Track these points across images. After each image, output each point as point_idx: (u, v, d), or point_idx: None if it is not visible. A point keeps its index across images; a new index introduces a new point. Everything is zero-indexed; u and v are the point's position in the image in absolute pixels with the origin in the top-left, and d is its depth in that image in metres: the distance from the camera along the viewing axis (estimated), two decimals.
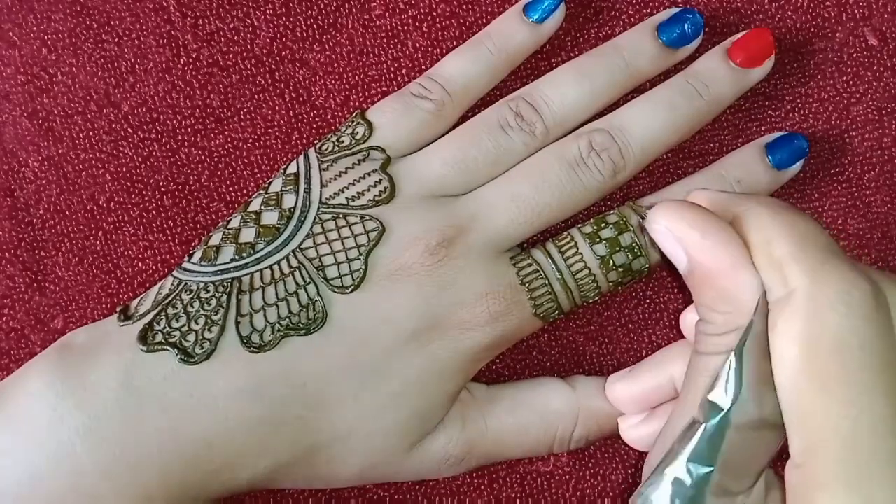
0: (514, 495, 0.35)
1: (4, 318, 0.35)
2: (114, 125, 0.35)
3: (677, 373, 0.30)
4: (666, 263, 0.33)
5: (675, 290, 0.36)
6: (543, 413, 0.33)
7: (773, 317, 0.24)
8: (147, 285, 0.35)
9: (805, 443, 0.23)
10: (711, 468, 0.24)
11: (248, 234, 0.31)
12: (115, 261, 0.35)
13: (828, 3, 0.35)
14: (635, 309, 0.36)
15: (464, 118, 0.33)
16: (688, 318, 0.30)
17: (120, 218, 0.35)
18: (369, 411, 0.30)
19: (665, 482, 0.25)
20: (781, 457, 0.24)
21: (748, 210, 0.25)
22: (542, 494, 0.36)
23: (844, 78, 0.35)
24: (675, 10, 0.34)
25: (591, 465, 0.36)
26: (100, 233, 0.35)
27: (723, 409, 0.24)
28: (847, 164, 0.35)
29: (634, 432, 0.32)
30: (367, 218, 0.31)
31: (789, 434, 0.24)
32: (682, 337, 0.35)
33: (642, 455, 0.35)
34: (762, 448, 0.25)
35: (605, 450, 0.36)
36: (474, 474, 0.35)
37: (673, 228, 0.25)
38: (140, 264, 0.35)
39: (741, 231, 0.25)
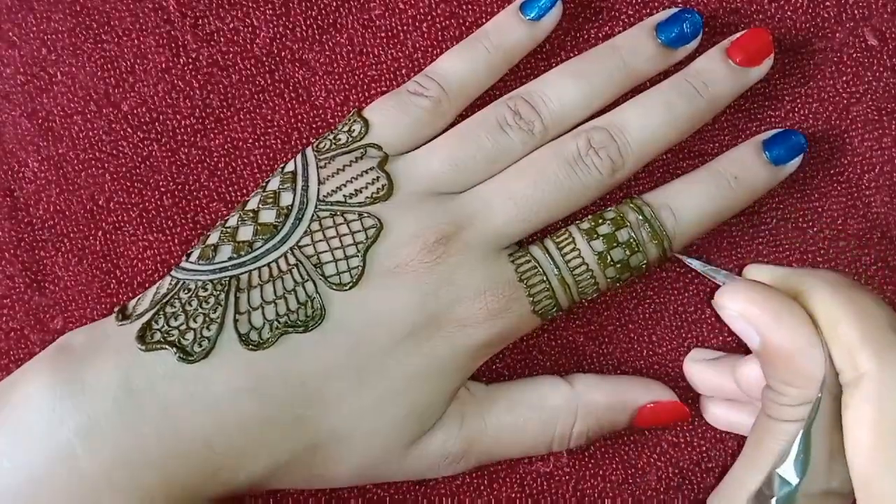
0: (513, 495, 0.35)
1: (4, 318, 0.35)
2: (113, 125, 0.35)
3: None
4: (664, 262, 0.33)
5: (676, 291, 0.35)
6: (542, 410, 0.33)
7: (846, 399, 0.25)
8: (147, 285, 0.35)
9: None
10: None
11: (245, 233, 0.31)
12: (114, 261, 0.35)
13: (827, 3, 0.35)
14: (635, 309, 0.36)
15: (463, 118, 0.33)
16: (744, 372, 0.31)
17: (119, 218, 0.35)
18: (368, 409, 0.30)
19: None
20: None
21: (812, 288, 0.27)
22: (542, 494, 0.35)
23: (844, 78, 0.35)
24: (674, 9, 0.34)
25: (590, 465, 0.35)
26: (99, 233, 0.35)
27: (791, 484, 0.26)
28: (847, 164, 0.35)
29: (712, 408, 0.34)
30: (365, 215, 0.31)
31: None
32: (682, 337, 0.35)
33: (642, 455, 0.35)
34: None
35: (605, 450, 0.36)
36: (474, 474, 0.35)
37: (744, 313, 0.27)
38: (139, 264, 0.35)
39: (806, 308, 0.26)
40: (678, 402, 0.33)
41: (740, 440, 0.35)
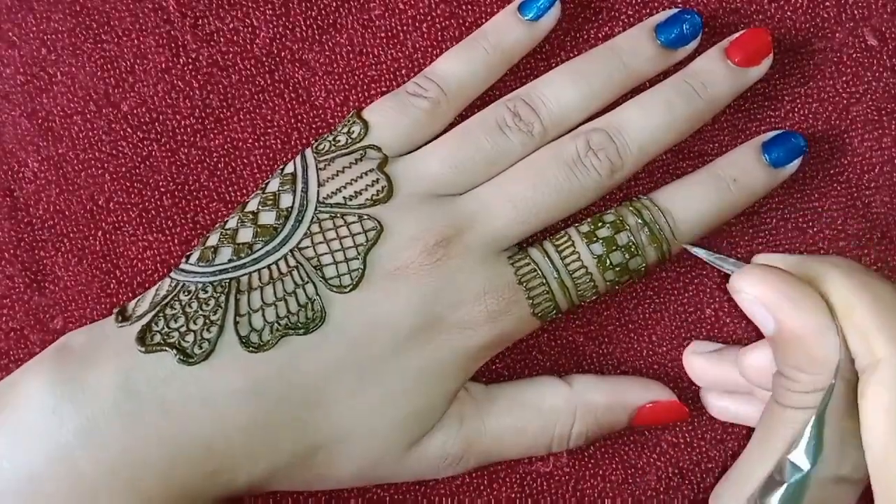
0: (513, 495, 0.35)
1: (4, 318, 0.35)
2: (113, 125, 0.35)
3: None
4: (663, 264, 0.33)
5: (676, 291, 0.35)
6: (541, 410, 0.33)
7: (862, 385, 0.25)
8: (146, 285, 0.35)
9: None
10: None
11: (245, 235, 0.31)
12: (114, 261, 0.35)
13: (827, 3, 0.35)
14: (635, 309, 0.36)
15: (462, 118, 0.33)
16: (750, 360, 0.30)
17: (119, 218, 0.35)
18: (368, 411, 0.30)
19: None
20: None
21: (825, 275, 0.26)
22: (542, 495, 0.35)
23: (844, 78, 0.35)
24: (673, 10, 0.34)
25: (590, 465, 0.35)
26: (99, 233, 0.35)
27: (802, 470, 0.26)
28: (847, 164, 0.35)
29: (714, 401, 0.34)
30: (365, 217, 0.31)
31: (875, 496, 0.25)
32: (682, 337, 0.35)
33: (642, 455, 0.35)
34: (841, 500, 0.26)
35: (605, 450, 0.36)
36: (473, 474, 0.35)
37: (762, 297, 0.26)
38: (139, 264, 0.35)
39: (821, 294, 0.26)
40: (677, 402, 0.33)
41: (740, 440, 0.35)
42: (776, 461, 0.26)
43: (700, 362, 0.34)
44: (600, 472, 0.36)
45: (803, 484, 0.26)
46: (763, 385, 0.30)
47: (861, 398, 0.25)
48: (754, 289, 0.27)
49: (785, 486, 0.26)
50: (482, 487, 0.35)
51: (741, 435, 0.35)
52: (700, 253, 0.31)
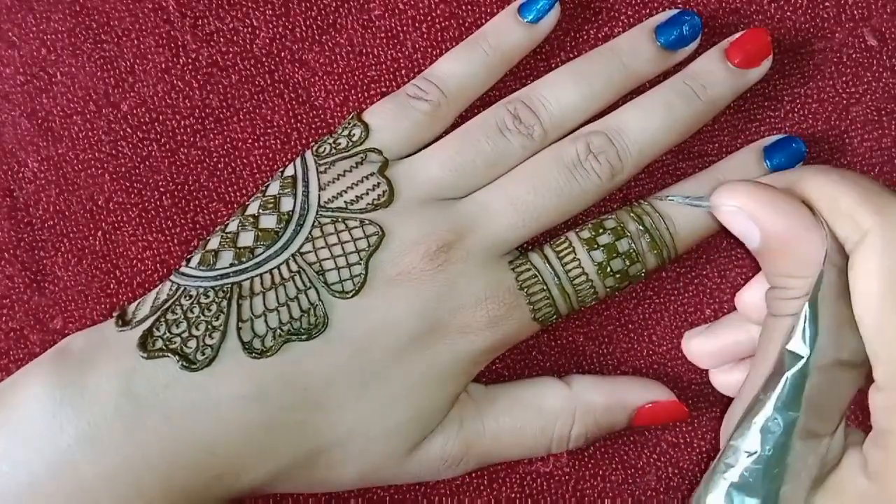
0: (513, 495, 0.35)
1: (3, 319, 0.35)
2: (113, 125, 0.35)
3: (755, 330, 0.31)
4: (662, 269, 0.33)
5: (676, 291, 0.36)
6: (540, 412, 0.33)
7: (852, 260, 0.26)
8: (146, 286, 0.35)
9: (889, 369, 0.25)
10: (797, 413, 0.26)
11: (246, 238, 0.31)
12: (114, 261, 0.35)
13: (827, 3, 0.35)
14: (635, 309, 0.36)
15: (462, 119, 0.33)
16: (746, 297, 0.31)
17: (119, 218, 0.35)
18: (370, 415, 0.30)
19: (754, 430, 0.26)
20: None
21: (802, 179, 0.27)
22: (542, 495, 0.36)
23: (844, 78, 0.35)
24: (673, 11, 0.33)
25: (590, 465, 0.36)
26: (99, 233, 0.35)
27: (802, 357, 0.26)
28: (847, 165, 0.35)
29: (723, 377, 0.33)
30: (367, 222, 0.31)
31: (873, 362, 0.25)
32: (681, 337, 0.35)
33: (642, 455, 0.35)
34: (844, 388, 0.26)
35: (605, 450, 0.36)
36: (473, 474, 0.35)
37: (745, 206, 0.27)
38: (139, 264, 0.35)
39: (802, 198, 0.27)
40: (677, 402, 0.33)
41: None
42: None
43: (699, 343, 0.33)
44: (600, 473, 0.36)
45: (804, 371, 0.26)
46: (760, 319, 0.30)
47: (850, 270, 0.26)
48: (736, 199, 0.27)
49: (785, 376, 0.26)
50: (482, 487, 0.35)
51: None
52: (676, 199, 0.32)
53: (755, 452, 0.26)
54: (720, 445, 0.29)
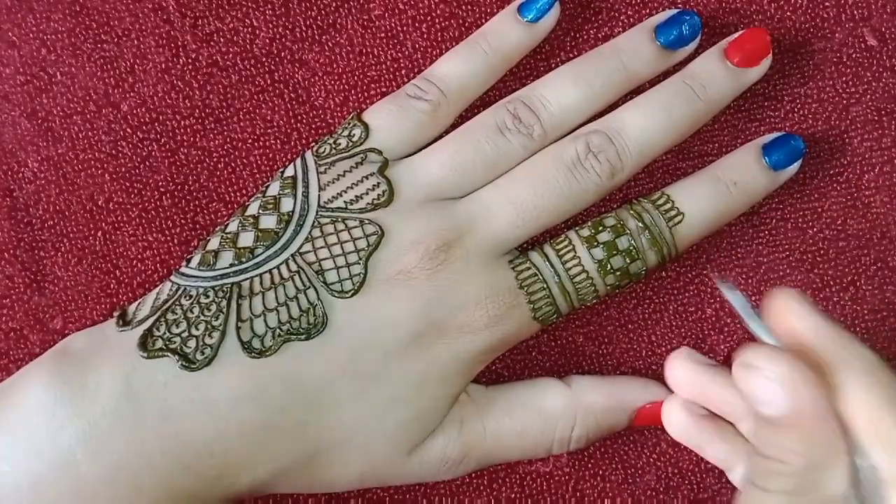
0: (513, 496, 0.35)
1: (3, 319, 0.35)
2: (113, 125, 0.35)
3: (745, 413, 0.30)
4: (663, 267, 0.33)
5: (676, 290, 0.36)
6: (541, 414, 0.33)
7: (889, 492, 0.24)
8: (146, 286, 0.35)
9: None
10: None
11: (246, 239, 0.31)
12: (114, 261, 0.35)
13: (827, 3, 0.35)
14: (635, 309, 0.36)
15: (462, 119, 0.34)
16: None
17: (119, 218, 0.35)
18: (370, 415, 0.30)
19: None
20: None
21: (847, 377, 0.25)
22: (542, 495, 0.36)
23: (844, 78, 0.35)
24: (673, 11, 0.34)
25: (590, 465, 0.36)
26: (99, 233, 0.35)
27: None
28: (847, 165, 0.35)
29: (676, 414, 0.32)
30: (367, 222, 0.31)
31: None
32: (682, 337, 0.35)
33: (641, 455, 0.35)
34: None
35: (605, 450, 0.36)
36: (473, 475, 0.35)
37: (785, 376, 0.25)
38: (139, 265, 0.35)
39: (838, 394, 0.25)
40: None
41: None
42: None
43: (687, 369, 0.31)
44: (600, 472, 0.36)
45: None
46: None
47: None
48: (776, 367, 0.25)
49: None
50: (482, 487, 0.35)
51: None
52: (730, 297, 0.29)
53: None
54: None
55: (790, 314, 0.27)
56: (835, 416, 0.25)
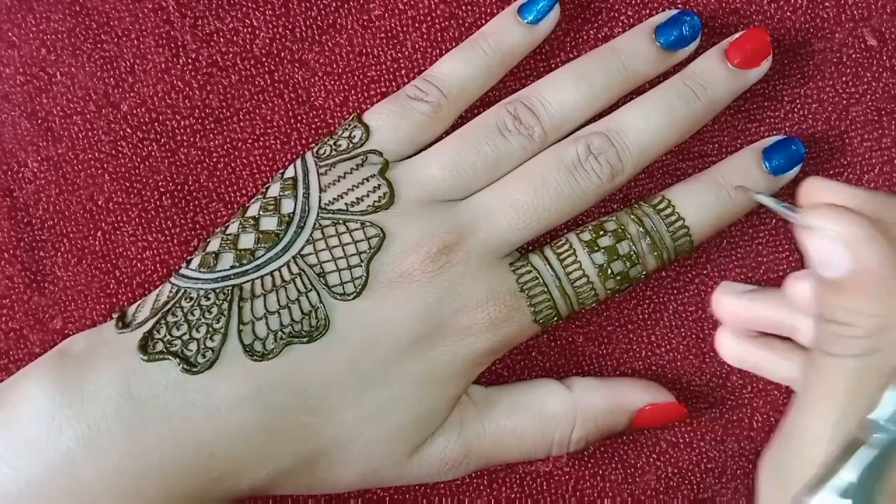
0: (513, 496, 0.36)
1: (3, 319, 0.35)
2: (113, 125, 0.35)
3: (799, 323, 0.30)
4: (662, 270, 0.33)
5: (675, 290, 0.36)
6: (541, 416, 0.33)
7: None
8: (146, 286, 0.35)
9: None
10: (878, 484, 0.24)
11: (247, 240, 0.31)
12: (113, 261, 0.35)
13: (827, 3, 0.35)
14: (635, 309, 0.36)
15: (462, 119, 0.34)
16: (798, 287, 0.29)
17: (119, 218, 0.35)
18: (371, 417, 0.30)
19: (829, 496, 0.25)
20: None
21: None
22: (542, 495, 0.36)
23: (843, 79, 0.35)
24: (673, 11, 0.33)
25: (590, 465, 0.36)
26: (99, 233, 0.35)
27: (890, 429, 0.24)
28: (847, 165, 0.35)
29: (730, 344, 0.32)
30: (368, 224, 0.31)
31: None
32: (682, 337, 0.35)
33: (641, 455, 0.35)
34: None
35: (605, 450, 0.36)
36: (473, 475, 0.35)
37: (847, 234, 0.25)
38: (139, 265, 0.35)
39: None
40: (676, 403, 0.33)
41: (740, 441, 0.35)
42: (836, 416, 0.25)
43: (730, 300, 0.32)
44: (600, 472, 0.36)
45: (890, 448, 0.24)
46: (809, 311, 0.28)
47: None
48: (837, 225, 0.25)
49: (866, 446, 0.24)
50: (482, 487, 0.35)
51: (741, 436, 0.35)
52: (766, 201, 0.30)
53: None
54: (755, 489, 0.27)
55: (824, 193, 0.27)
56: None
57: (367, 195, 0.31)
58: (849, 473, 0.24)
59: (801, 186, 0.27)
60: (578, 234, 0.32)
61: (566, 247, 0.32)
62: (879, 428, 0.24)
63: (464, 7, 0.35)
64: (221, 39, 0.35)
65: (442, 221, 0.31)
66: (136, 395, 0.28)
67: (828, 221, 0.25)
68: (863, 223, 0.25)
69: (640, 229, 0.32)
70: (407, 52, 0.35)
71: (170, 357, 0.29)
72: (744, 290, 0.32)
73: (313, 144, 0.35)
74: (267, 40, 0.35)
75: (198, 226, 0.35)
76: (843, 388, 0.25)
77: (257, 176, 0.35)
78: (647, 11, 0.35)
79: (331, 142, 0.33)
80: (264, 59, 0.35)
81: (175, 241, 0.35)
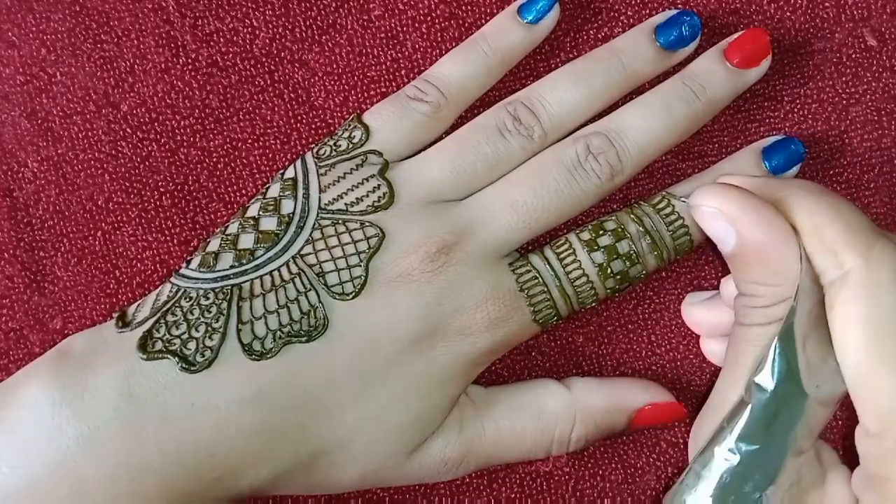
0: (513, 496, 0.36)
1: (3, 319, 0.35)
2: (113, 125, 0.35)
3: None
4: (661, 269, 0.33)
5: (675, 290, 0.36)
6: (540, 416, 0.33)
7: (830, 299, 0.25)
8: (146, 286, 0.35)
9: (878, 417, 0.24)
10: (758, 446, 0.26)
11: (246, 240, 0.31)
12: (113, 261, 0.35)
13: (826, 3, 0.35)
14: (635, 309, 0.36)
15: (462, 119, 0.34)
16: (728, 288, 0.31)
17: (119, 218, 0.35)
18: (370, 417, 0.30)
19: (716, 459, 0.26)
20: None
21: (791, 195, 0.26)
22: (542, 495, 0.36)
23: (843, 79, 0.35)
24: (672, 11, 0.34)
25: (590, 465, 0.36)
26: (98, 233, 0.35)
27: (767, 390, 0.26)
28: (846, 165, 0.35)
29: (712, 346, 0.33)
30: (367, 224, 0.31)
31: (859, 409, 0.25)
32: (681, 337, 0.35)
33: (641, 455, 0.35)
34: (816, 420, 0.26)
35: (605, 450, 0.36)
36: (473, 475, 0.35)
37: (725, 210, 0.26)
38: (139, 265, 0.35)
39: (785, 214, 0.26)
40: (676, 403, 0.33)
41: None
42: (745, 382, 0.26)
43: (697, 311, 0.34)
44: (600, 472, 0.36)
45: (768, 405, 0.26)
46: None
47: (830, 310, 0.25)
48: (718, 202, 0.27)
49: (750, 407, 0.26)
50: (482, 487, 0.35)
51: None
52: (679, 202, 0.32)
53: (715, 479, 0.27)
54: (688, 455, 0.29)
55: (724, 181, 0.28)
56: (796, 242, 0.26)
57: (367, 195, 0.31)
58: (732, 438, 0.26)
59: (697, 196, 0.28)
60: (578, 233, 0.32)
61: (566, 246, 0.32)
62: (760, 389, 0.26)
63: (464, 7, 0.35)
64: (221, 39, 0.35)
65: (441, 222, 0.31)
66: (136, 395, 0.28)
67: (706, 198, 0.27)
68: (742, 196, 0.26)
69: (640, 229, 0.32)
70: (407, 52, 0.35)
71: (168, 356, 0.29)
72: (704, 297, 0.34)
73: (313, 145, 0.35)
74: (267, 40, 0.35)
75: (198, 226, 0.35)
76: (753, 355, 0.26)
77: (257, 176, 0.35)
78: (647, 11, 0.35)
79: (331, 142, 0.33)
80: (264, 59, 0.35)
81: (175, 241, 0.35)
